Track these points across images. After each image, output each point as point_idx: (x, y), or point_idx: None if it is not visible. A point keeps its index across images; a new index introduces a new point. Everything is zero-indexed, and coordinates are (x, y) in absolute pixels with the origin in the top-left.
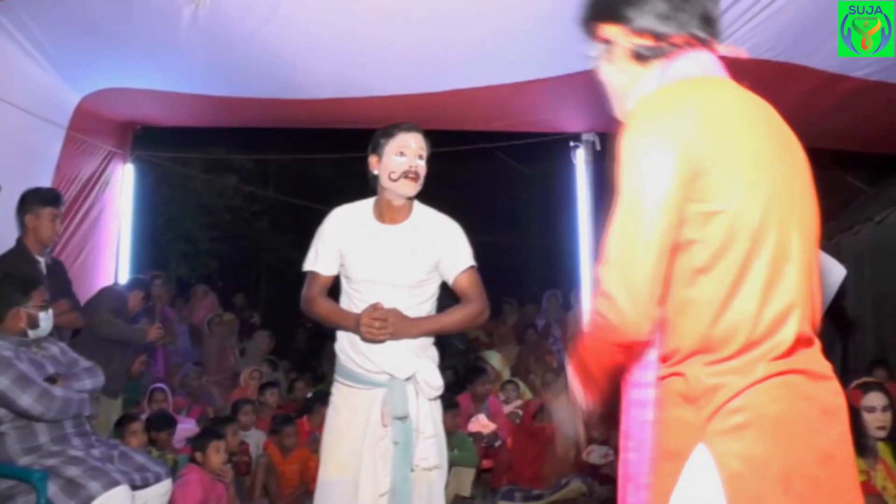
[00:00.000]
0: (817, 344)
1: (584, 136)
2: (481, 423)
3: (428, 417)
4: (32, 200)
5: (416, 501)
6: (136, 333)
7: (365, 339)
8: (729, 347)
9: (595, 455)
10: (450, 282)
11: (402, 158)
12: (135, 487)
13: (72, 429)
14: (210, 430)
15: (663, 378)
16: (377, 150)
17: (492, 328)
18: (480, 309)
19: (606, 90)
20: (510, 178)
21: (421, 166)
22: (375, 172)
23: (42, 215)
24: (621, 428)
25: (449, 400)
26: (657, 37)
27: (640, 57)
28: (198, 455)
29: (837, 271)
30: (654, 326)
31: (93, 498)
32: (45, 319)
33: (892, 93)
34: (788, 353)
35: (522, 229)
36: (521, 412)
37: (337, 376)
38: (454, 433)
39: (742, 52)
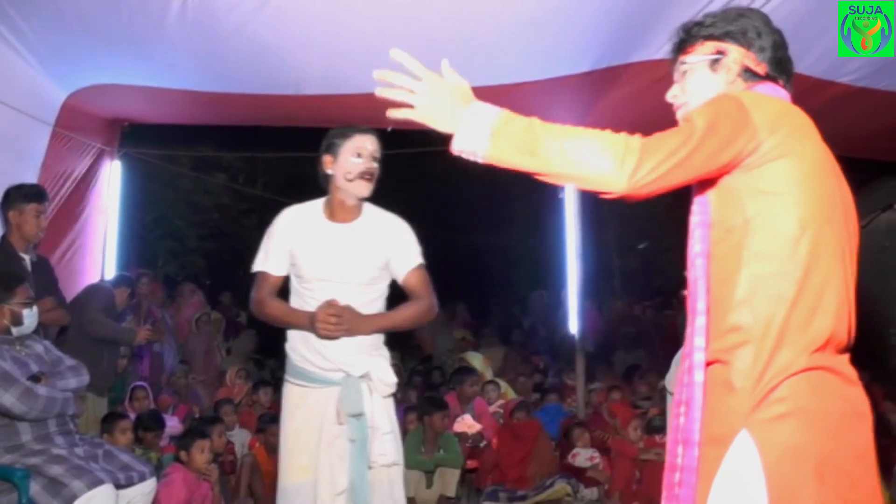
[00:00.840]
0: (848, 354)
1: None
2: (467, 424)
3: (383, 414)
4: (16, 196)
5: (377, 499)
6: (127, 334)
7: (320, 337)
8: (769, 330)
9: (581, 458)
10: (399, 279)
11: (358, 160)
12: (119, 486)
13: (55, 427)
14: (195, 430)
15: (710, 363)
16: (332, 150)
17: (479, 328)
18: (430, 306)
19: (687, 98)
20: (497, 179)
21: (376, 168)
22: (329, 172)
23: (26, 212)
24: (674, 398)
25: (438, 401)
26: (767, 69)
27: (746, 77)
28: (182, 454)
29: None
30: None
31: (76, 497)
32: (30, 317)
33: (877, 98)
34: (823, 348)
35: (509, 230)
36: (502, 412)
37: (288, 377)
38: (442, 434)
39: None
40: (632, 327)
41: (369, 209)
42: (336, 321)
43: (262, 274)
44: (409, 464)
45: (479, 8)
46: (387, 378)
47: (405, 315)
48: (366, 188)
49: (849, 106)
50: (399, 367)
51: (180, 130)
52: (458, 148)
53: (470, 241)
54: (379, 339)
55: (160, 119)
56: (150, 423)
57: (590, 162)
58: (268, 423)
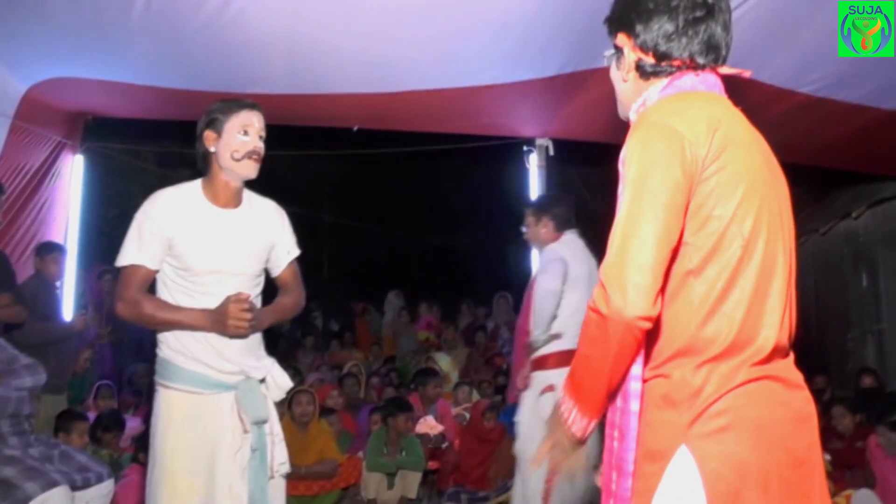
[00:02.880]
0: (791, 355)
1: (538, 141)
2: (429, 425)
3: (276, 419)
4: None
5: None
6: (63, 330)
7: (228, 335)
8: (712, 350)
9: None
10: (277, 270)
11: (245, 137)
12: (75, 488)
13: (9, 428)
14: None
15: (647, 380)
16: (214, 125)
17: (442, 329)
18: (302, 297)
19: (615, 91)
20: (464, 180)
21: (262, 148)
22: (212, 150)
23: None
24: (607, 417)
25: (402, 402)
26: (658, 56)
27: (642, 72)
28: (141, 456)
29: None
30: (654, 316)
31: (29, 499)
32: None
33: (836, 108)
34: (767, 360)
35: (474, 232)
36: (468, 414)
37: (170, 383)
38: (405, 436)
39: (746, 73)
40: None
41: (247, 193)
42: (250, 317)
43: (133, 268)
44: (372, 466)
45: (446, 11)
46: (283, 381)
47: (287, 308)
48: (254, 169)
49: (809, 115)
50: (359, 367)
51: (146, 125)
52: (580, 432)
53: (434, 243)
54: (261, 338)
55: (124, 113)
56: (109, 423)
57: (597, 343)
58: None
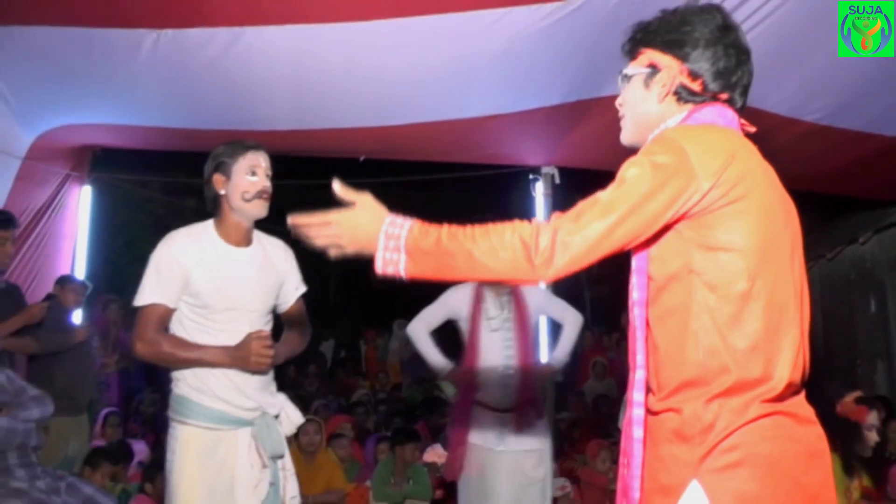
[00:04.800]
0: (803, 392)
1: (544, 170)
2: (436, 454)
3: (288, 454)
4: None
5: None
6: (63, 339)
7: (251, 370)
8: (722, 382)
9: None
10: (285, 307)
11: (254, 178)
12: None
13: (16, 460)
14: (161, 460)
15: (657, 413)
16: (222, 169)
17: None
18: (309, 332)
19: (626, 110)
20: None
21: (270, 187)
22: (222, 192)
23: None
24: (620, 446)
25: (410, 431)
26: (705, 87)
27: (680, 97)
28: (147, 486)
29: None
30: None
31: None
32: None
33: (839, 136)
34: (779, 398)
35: None
36: None
37: (188, 420)
38: (412, 465)
39: (752, 128)
40: (602, 357)
41: (256, 232)
42: (272, 353)
43: (152, 307)
44: (379, 496)
45: (451, 43)
46: (295, 417)
47: (296, 343)
48: (264, 208)
49: (813, 143)
50: (368, 395)
51: (152, 155)
52: (381, 268)
53: None
54: (273, 374)
55: (131, 145)
56: (118, 454)
57: (500, 260)
58: None
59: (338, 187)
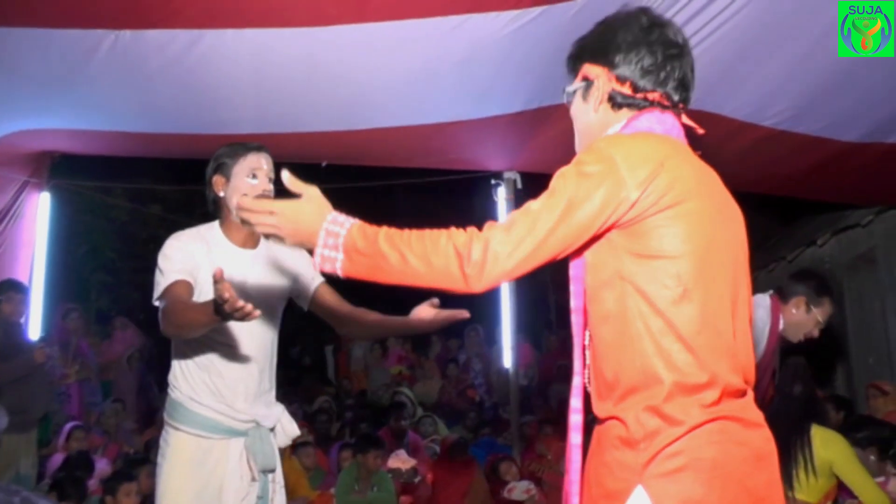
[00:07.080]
0: (750, 394)
1: (506, 175)
2: (400, 459)
3: (279, 467)
4: None
5: None
6: (22, 366)
7: (249, 369)
8: (661, 389)
9: (517, 491)
10: (308, 296)
11: (254, 181)
12: None
13: None
14: (122, 472)
15: (603, 421)
16: (222, 170)
17: (415, 361)
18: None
19: (575, 126)
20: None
21: (272, 190)
22: (222, 194)
23: None
24: (566, 454)
25: (373, 438)
26: (635, 88)
27: (614, 102)
28: (108, 499)
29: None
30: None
31: None
32: None
33: (797, 141)
34: (719, 401)
35: None
36: (437, 447)
37: (180, 425)
38: (376, 472)
39: (699, 129)
40: (567, 360)
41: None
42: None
43: (173, 287)
44: (343, 503)
45: (412, 49)
46: (291, 430)
47: (375, 313)
48: None
49: (771, 148)
50: (331, 402)
51: (115, 161)
52: (319, 265)
53: None
54: (272, 385)
55: (92, 151)
56: (78, 465)
57: (432, 267)
58: None
59: (287, 178)
